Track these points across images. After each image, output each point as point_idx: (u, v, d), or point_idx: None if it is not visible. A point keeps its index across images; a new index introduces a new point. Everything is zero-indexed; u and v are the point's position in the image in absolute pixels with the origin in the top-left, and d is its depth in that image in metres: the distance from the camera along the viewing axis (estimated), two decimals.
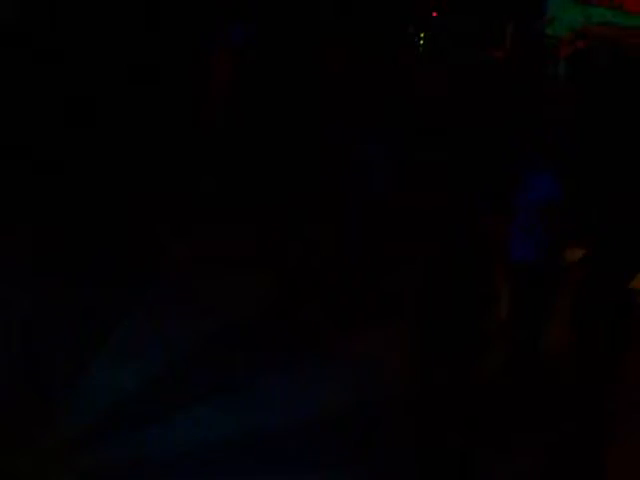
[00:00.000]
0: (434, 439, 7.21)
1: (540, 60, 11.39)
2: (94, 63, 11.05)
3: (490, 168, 10.40)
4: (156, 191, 10.48)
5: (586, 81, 11.14)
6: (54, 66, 10.96)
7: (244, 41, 10.27)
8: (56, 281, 8.90)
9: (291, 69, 11.35)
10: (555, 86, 11.49)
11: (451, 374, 7.32)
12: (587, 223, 8.45)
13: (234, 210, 10.03)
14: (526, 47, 11.46)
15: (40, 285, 8.84)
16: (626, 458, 7.36)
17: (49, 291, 8.75)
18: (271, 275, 9.18)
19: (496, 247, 8.37)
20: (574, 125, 10.66)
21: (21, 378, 7.71)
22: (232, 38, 10.31)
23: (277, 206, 10.18)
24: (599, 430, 7.67)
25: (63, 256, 9.31)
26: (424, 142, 10.57)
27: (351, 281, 8.86)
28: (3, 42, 10.93)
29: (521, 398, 7.78)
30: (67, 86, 10.97)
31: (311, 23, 12.31)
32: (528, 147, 9.65)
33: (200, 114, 10.13)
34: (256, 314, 8.73)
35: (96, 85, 11.00)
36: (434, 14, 13.82)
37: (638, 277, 8.62)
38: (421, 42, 13.70)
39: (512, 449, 7.31)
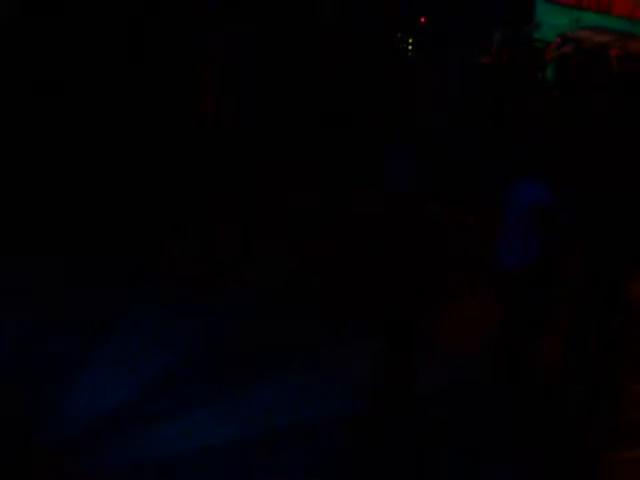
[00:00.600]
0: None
1: (529, 65, 11.40)
2: (92, 59, 11.03)
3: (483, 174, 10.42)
4: (156, 190, 10.47)
5: (572, 86, 11.15)
6: (54, 65, 10.95)
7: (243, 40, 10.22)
8: (54, 280, 8.90)
9: (290, 68, 11.41)
10: (543, 91, 11.50)
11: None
12: (581, 228, 8.50)
13: (234, 208, 10.04)
14: (515, 52, 11.47)
15: (38, 285, 8.84)
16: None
17: (47, 291, 8.74)
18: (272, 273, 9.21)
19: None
20: (562, 130, 10.68)
21: (17, 378, 7.69)
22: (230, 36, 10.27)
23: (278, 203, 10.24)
24: (594, 431, 7.72)
25: (61, 255, 9.30)
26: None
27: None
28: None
29: (512, 402, 7.81)
30: (66, 85, 10.96)
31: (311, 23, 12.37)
32: (516, 153, 9.68)
33: (197, 111, 10.09)
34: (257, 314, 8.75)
35: (94, 82, 10.98)
36: (422, 20, 13.84)
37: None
38: (409, 48, 13.71)
39: (511, 452, 7.36)
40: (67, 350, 8.06)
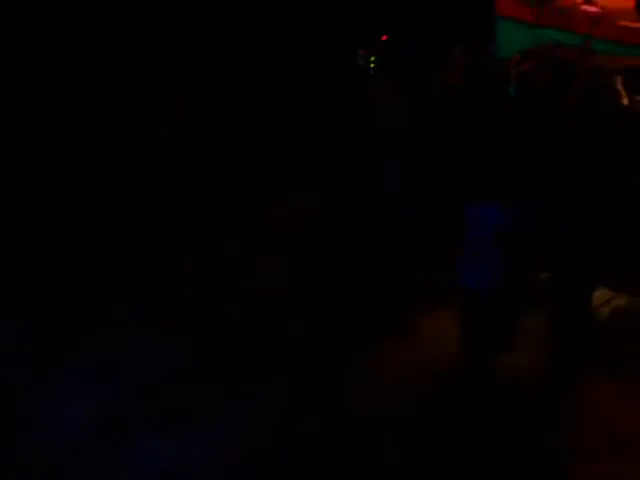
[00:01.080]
0: None
1: (491, 83, 11.48)
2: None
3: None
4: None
5: (532, 103, 11.21)
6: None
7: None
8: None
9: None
10: (505, 109, 11.56)
11: None
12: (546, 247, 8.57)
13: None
14: (478, 70, 11.56)
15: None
16: None
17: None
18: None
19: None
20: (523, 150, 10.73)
21: None
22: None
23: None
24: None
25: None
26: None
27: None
28: None
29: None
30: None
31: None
32: (477, 175, 9.70)
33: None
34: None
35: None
36: (384, 38, 13.92)
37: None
38: (371, 66, 13.78)
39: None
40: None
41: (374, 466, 7.37)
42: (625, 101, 10.48)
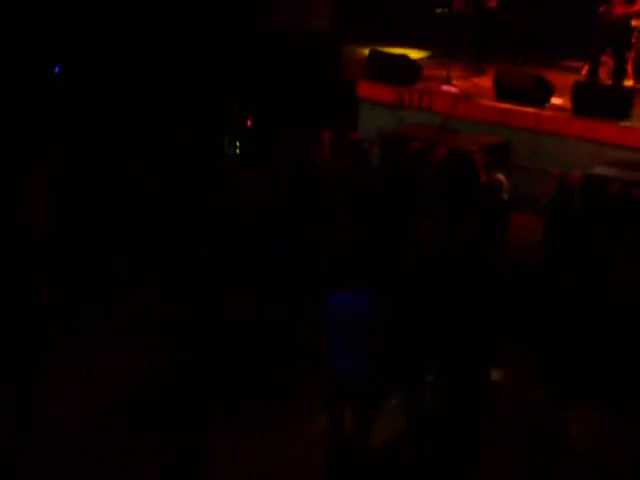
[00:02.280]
0: None
1: (355, 166, 11.45)
2: None
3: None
4: None
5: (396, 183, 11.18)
6: None
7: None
8: None
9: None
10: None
11: None
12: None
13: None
14: (342, 153, 11.54)
15: None
16: None
17: None
18: None
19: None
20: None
21: None
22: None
23: None
24: None
25: None
26: None
27: None
28: None
29: None
30: None
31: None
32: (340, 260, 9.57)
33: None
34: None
35: None
36: (249, 124, 13.93)
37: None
38: (237, 151, 13.75)
39: None
40: None
41: None
42: (484, 178, 10.53)
